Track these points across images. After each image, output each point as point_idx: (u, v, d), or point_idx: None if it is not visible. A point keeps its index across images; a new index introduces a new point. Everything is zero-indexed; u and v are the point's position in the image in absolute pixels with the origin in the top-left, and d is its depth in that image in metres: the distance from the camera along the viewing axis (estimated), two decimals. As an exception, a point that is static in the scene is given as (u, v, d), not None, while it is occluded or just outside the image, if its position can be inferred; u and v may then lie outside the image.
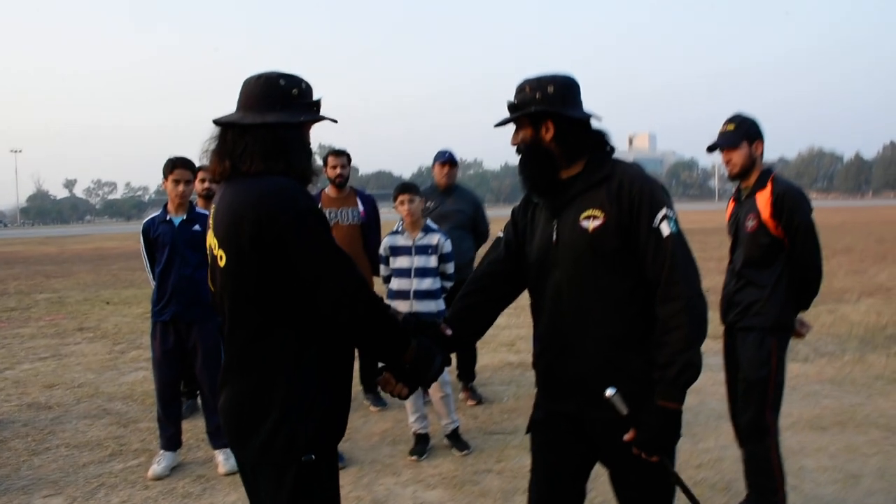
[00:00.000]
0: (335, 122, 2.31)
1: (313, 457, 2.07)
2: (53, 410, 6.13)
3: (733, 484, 4.06)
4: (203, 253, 4.75)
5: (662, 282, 2.15)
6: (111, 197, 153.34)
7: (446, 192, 6.03)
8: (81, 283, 16.91)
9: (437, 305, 4.82)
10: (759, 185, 3.48)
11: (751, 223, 3.46)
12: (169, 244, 4.61)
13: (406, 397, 2.34)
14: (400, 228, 4.94)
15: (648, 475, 2.28)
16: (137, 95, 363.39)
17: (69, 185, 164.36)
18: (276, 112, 2.10)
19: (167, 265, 4.60)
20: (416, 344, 2.23)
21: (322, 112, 2.25)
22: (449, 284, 5.00)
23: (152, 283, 4.79)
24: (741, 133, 3.49)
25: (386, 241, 4.96)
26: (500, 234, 2.59)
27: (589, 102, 2.38)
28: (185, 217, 4.69)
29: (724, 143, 3.51)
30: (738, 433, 3.65)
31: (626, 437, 2.21)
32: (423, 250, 4.85)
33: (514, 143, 2.38)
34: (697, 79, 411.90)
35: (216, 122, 2.16)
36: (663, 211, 2.16)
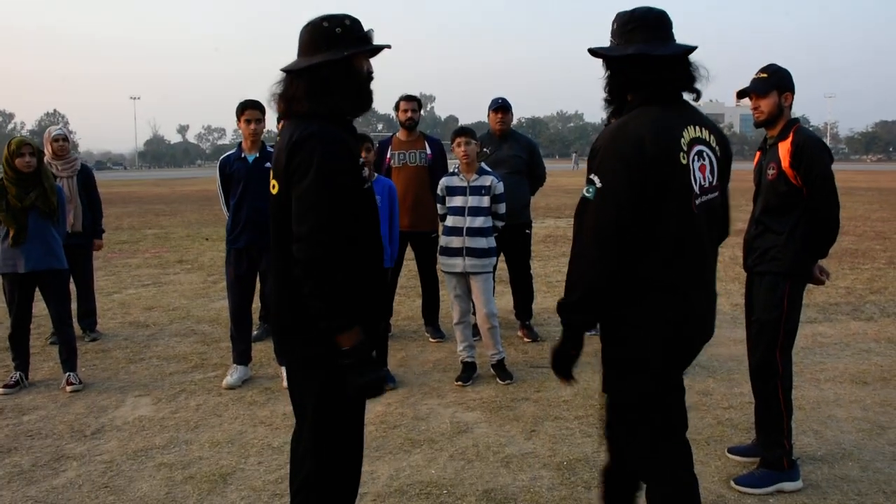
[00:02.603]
0: (388, 47, 2.44)
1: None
2: (150, 328, 6.86)
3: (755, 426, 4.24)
4: (274, 187, 5.24)
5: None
6: (220, 142, 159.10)
7: (502, 139, 6.26)
8: (186, 221, 18.07)
9: (487, 242, 5.14)
10: (783, 136, 3.55)
11: (771, 171, 3.55)
12: (243, 179, 5.10)
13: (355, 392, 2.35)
14: (456, 170, 5.26)
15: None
16: (245, 46, 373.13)
17: (182, 130, 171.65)
18: (321, 53, 2.30)
19: (241, 198, 5.10)
20: (364, 338, 2.28)
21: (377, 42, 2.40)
22: (500, 224, 5.32)
23: (226, 215, 5.31)
24: (773, 82, 3.55)
25: (443, 182, 5.29)
26: None
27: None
28: (257, 155, 5.17)
29: (755, 89, 3.56)
30: (751, 372, 3.80)
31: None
32: (477, 191, 5.15)
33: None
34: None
35: (281, 69, 2.39)
36: (592, 175, 2.31)
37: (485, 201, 5.16)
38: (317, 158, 2.22)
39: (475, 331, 5.50)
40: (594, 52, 2.43)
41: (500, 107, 6.26)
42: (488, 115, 6.38)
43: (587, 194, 2.29)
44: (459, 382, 5.08)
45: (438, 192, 5.31)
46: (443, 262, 5.20)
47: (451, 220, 5.19)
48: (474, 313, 5.32)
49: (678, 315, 2.39)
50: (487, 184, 5.18)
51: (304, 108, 2.33)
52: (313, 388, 2.43)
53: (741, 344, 4.33)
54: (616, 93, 2.46)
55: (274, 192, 2.38)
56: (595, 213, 2.28)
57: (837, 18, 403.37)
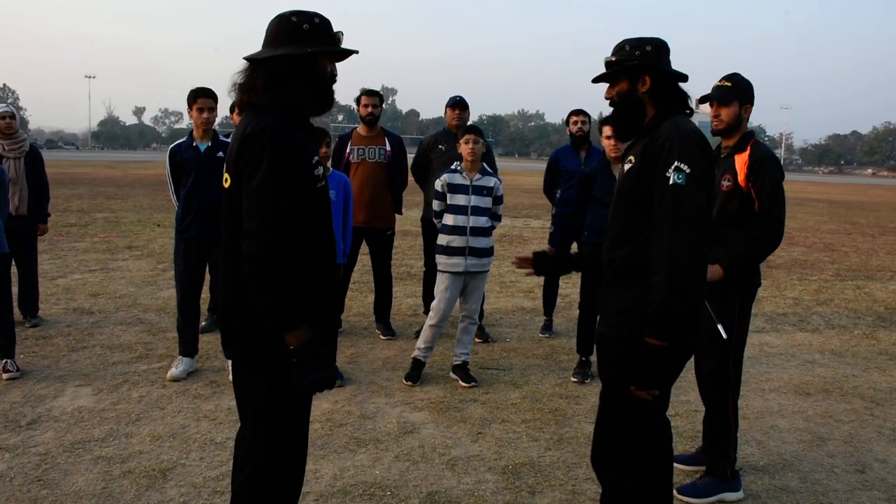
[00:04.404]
0: (355, 52, 2.46)
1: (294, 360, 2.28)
2: (94, 316, 6.67)
3: (700, 435, 4.29)
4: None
5: (655, 225, 2.38)
6: (177, 126, 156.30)
7: (457, 135, 6.23)
8: (138, 205, 17.69)
9: (487, 242, 5.14)
10: (740, 148, 3.59)
11: (726, 183, 3.57)
12: (195, 168, 4.98)
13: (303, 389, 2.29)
14: (458, 167, 5.19)
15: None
16: (205, 29, 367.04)
17: (138, 112, 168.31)
18: (285, 46, 2.29)
19: (192, 188, 4.98)
20: (311, 336, 2.25)
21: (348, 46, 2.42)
22: (497, 224, 5.33)
23: (175, 204, 5.19)
24: (736, 92, 3.58)
25: (444, 178, 5.18)
26: None
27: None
28: (209, 144, 5.05)
29: (718, 97, 3.59)
30: (700, 383, 3.85)
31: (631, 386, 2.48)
32: (480, 191, 5.14)
33: (608, 97, 2.66)
34: (757, 43, 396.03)
35: (244, 58, 2.37)
36: (677, 163, 2.35)
37: (486, 201, 5.15)
38: (268, 155, 2.19)
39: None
40: (649, 66, 2.54)
41: (458, 104, 6.28)
42: (445, 112, 6.37)
43: (678, 181, 2.34)
44: (409, 382, 5.05)
45: (438, 187, 5.20)
46: (443, 262, 5.13)
47: (452, 219, 5.11)
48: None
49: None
50: (490, 185, 5.18)
51: (261, 100, 2.31)
52: (258, 386, 2.40)
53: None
54: (650, 103, 2.57)
55: (226, 185, 2.34)
56: (689, 198, 2.34)
57: (798, 29, 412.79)
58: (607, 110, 2.82)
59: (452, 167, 5.22)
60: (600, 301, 2.68)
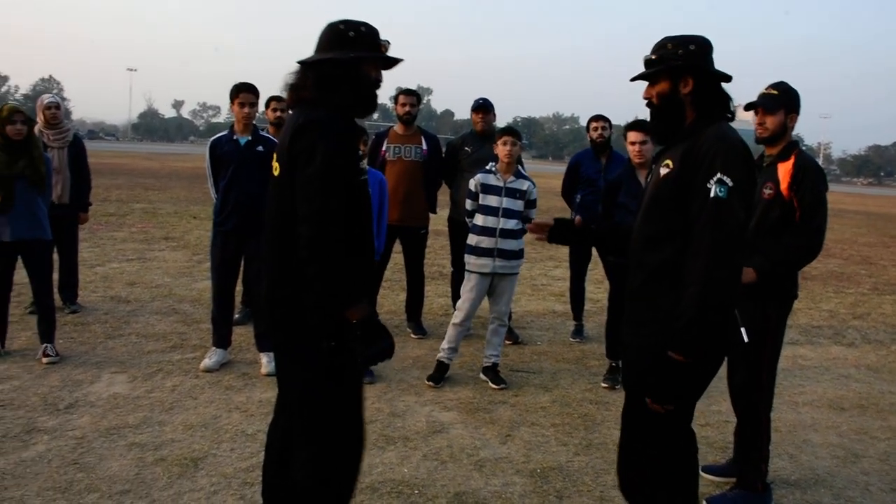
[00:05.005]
0: (400, 60, 2.59)
1: (333, 344, 2.40)
2: (131, 304, 6.79)
3: (731, 446, 4.24)
4: (263, 171, 5.18)
5: (693, 237, 2.32)
6: (214, 120, 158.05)
7: (483, 138, 6.22)
8: (175, 197, 17.95)
9: (517, 244, 5.12)
10: (783, 156, 3.54)
11: (768, 191, 3.52)
12: (234, 162, 5.04)
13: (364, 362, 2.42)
14: (493, 168, 5.18)
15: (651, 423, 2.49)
16: (242, 22, 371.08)
17: (177, 105, 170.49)
18: (331, 51, 2.46)
19: (231, 181, 5.04)
20: (370, 310, 2.40)
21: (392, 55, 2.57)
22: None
23: (213, 197, 5.26)
24: (783, 101, 3.53)
25: (478, 178, 5.18)
26: None
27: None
28: (249, 138, 5.11)
29: (764, 104, 3.54)
30: (732, 393, 3.81)
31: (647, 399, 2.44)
32: (513, 193, 5.12)
33: (646, 96, 2.56)
34: (810, 48, 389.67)
35: (297, 62, 2.54)
36: (719, 175, 2.28)
37: (518, 204, 5.12)
38: (322, 145, 2.32)
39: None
40: (693, 66, 2.46)
41: (481, 107, 6.27)
42: (470, 116, 6.38)
43: (720, 193, 2.28)
44: (431, 382, 5.05)
45: (472, 187, 5.19)
46: (470, 262, 5.13)
47: (482, 220, 5.10)
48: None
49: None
50: (524, 188, 5.15)
51: (310, 96, 2.46)
52: (303, 376, 2.48)
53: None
54: (690, 106, 2.49)
55: (276, 173, 2.47)
56: (729, 212, 2.28)
57: (836, 35, 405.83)
58: (630, 116, 2.80)
59: (487, 167, 5.20)
60: (627, 307, 2.63)
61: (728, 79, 2.52)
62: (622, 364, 2.68)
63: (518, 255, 5.14)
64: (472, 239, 5.13)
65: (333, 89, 2.45)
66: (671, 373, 2.33)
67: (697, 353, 2.30)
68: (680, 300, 2.31)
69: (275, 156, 2.51)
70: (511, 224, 5.08)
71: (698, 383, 2.45)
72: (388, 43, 2.55)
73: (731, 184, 2.28)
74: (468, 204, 5.24)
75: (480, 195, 5.13)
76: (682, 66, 2.46)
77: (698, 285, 2.26)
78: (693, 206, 2.34)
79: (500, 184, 5.12)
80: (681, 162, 2.40)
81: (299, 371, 2.49)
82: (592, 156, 6.38)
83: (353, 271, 2.33)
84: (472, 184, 5.19)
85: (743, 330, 3.49)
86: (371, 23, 2.54)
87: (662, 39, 2.52)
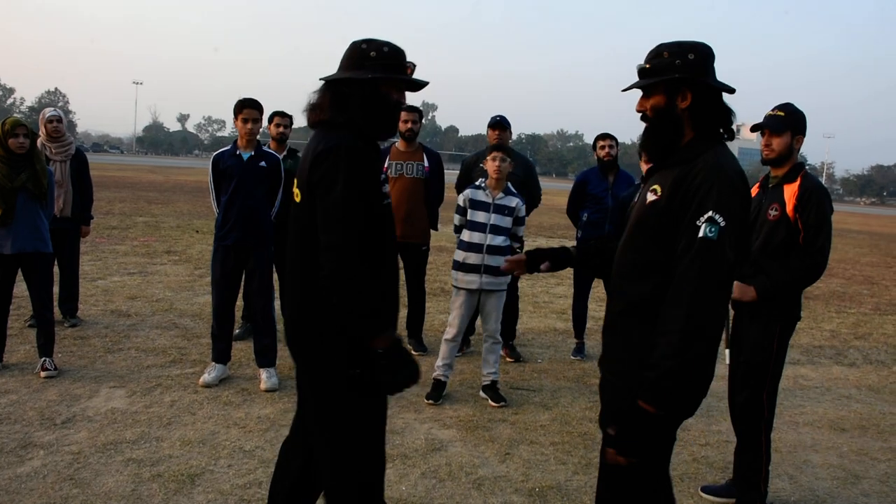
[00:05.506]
0: (424, 84, 2.53)
1: (358, 372, 2.35)
2: (131, 318, 6.79)
3: (731, 465, 4.22)
4: (266, 186, 5.20)
5: (676, 278, 2.12)
6: (219, 134, 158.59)
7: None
8: (178, 211, 17.97)
9: (503, 262, 5.07)
10: (789, 178, 3.55)
11: (773, 212, 3.54)
12: (236, 176, 5.06)
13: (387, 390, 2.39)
14: (483, 184, 5.18)
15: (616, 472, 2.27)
16: (251, 39, 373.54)
17: (182, 119, 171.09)
18: (351, 70, 2.40)
19: (233, 195, 5.05)
20: (396, 338, 2.36)
21: (416, 77, 2.54)
22: (517, 245, 5.26)
23: (216, 211, 5.27)
24: (789, 122, 3.54)
25: (467, 193, 5.18)
26: None
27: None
28: (252, 153, 5.13)
29: (770, 125, 3.55)
30: (733, 413, 3.80)
31: (610, 430, 2.22)
32: (501, 210, 5.11)
33: (640, 110, 2.33)
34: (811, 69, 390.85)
35: (320, 79, 2.49)
36: (711, 213, 2.08)
37: (507, 221, 5.11)
38: (343, 172, 2.26)
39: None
40: (688, 79, 2.23)
41: (498, 124, 6.25)
42: (487, 132, 6.37)
43: (709, 234, 2.07)
44: (430, 400, 5.03)
45: (460, 202, 5.21)
46: (458, 278, 5.12)
47: (469, 236, 5.09)
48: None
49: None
50: (512, 205, 5.14)
51: (327, 116, 2.40)
52: (327, 398, 2.43)
53: (722, 380, 4.32)
54: (688, 122, 2.27)
55: (297, 200, 2.43)
56: (718, 256, 2.08)
57: (841, 55, 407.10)
58: (636, 134, 2.60)
59: (477, 183, 5.21)
60: (603, 337, 2.44)
61: (731, 91, 2.29)
62: (601, 402, 2.47)
63: (505, 272, 5.08)
64: (460, 255, 5.12)
65: (350, 110, 2.38)
66: (638, 423, 2.12)
67: (670, 405, 2.11)
68: (655, 343, 2.12)
69: (295, 182, 2.48)
70: (499, 241, 5.07)
71: (667, 435, 2.27)
72: (414, 65, 2.52)
73: (722, 223, 2.08)
74: (456, 219, 5.25)
75: (469, 211, 5.13)
76: (679, 80, 2.23)
77: (677, 334, 2.05)
78: (680, 242, 2.13)
79: (489, 200, 5.11)
80: (670, 191, 2.18)
81: (323, 398, 2.43)
82: (599, 174, 6.39)
83: (376, 300, 2.28)
84: (461, 199, 5.20)
85: (727, 352, 3.46)
86: (396, 43, 2.47)
87: (658, 46, 2.29)
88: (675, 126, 2.26)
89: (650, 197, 2.25)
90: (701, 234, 2.08)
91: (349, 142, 2.31)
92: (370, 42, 2.42)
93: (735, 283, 3.53)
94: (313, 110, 2.45)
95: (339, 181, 2.25)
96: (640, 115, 2.34)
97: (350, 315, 2.26)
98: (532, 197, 6.41)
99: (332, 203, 2.25)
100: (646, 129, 2.35)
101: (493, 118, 6.28)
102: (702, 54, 2.24)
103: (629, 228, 2.36)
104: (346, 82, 2.39)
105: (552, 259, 2.78)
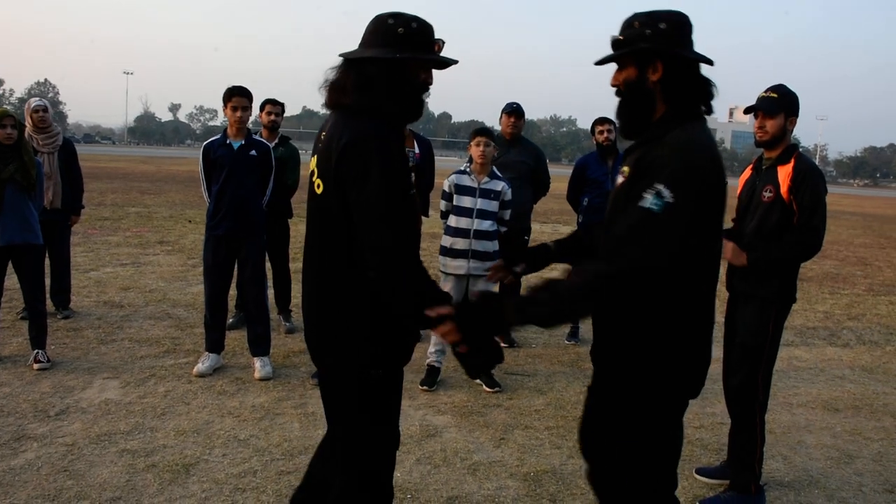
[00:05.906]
0: (454, 62, 2.30)
1: (380, 372, 2.27)
2: (124, 309, 6.76)
3: (725, 447, 4.23)
4: (256, 175, 5.17)
5: (611, 241, 2.07)
6: (211, 123, 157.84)
7: (511, 143, 6.22)
8: (170, 201, 17.92)
9: (492, 246, 5.10)
10: (783, 160, 3.54)
11: (767, 194, 3.53)
12: (227, 166, 5.02)
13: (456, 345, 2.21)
14: (467, 169, 5.17)
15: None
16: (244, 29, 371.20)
17: (174, 109, 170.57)
18: (376, 48, 2.17)
19: (224, 185, 5.02)
20: (466, 321, 2.15)
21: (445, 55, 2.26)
22: (503, 229, 5.26)
23: (206, 200, 5.24)
24: (782, 104, 3.53)
25: (452, 179, 5.17)
26: None
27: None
28: (243, 142, 5.10)
29: (763, 107, 3.53)
30: (728, 395, 3.80)
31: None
32: (487, 194, 5.10)
33: (614, 84, 2.20)
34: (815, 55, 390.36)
35: (340, 55, 2.26)
36: (661, 186, 1.96)
37: (493, 205, 5.11)
38: (377, 164, 2.09)
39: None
40: (658, 50, 2.10)
41: (514, 111, 6.21)
42: (500, 118, 6.33)
43: (652, 206, 1.94)
44: (425, 387, 5.03)
45: (445, 188, 5.20)
46: (445, 264, 5.12)
47: (456, 221, 5.09)
48: None
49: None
50: (498, 189, 5.14)
51: (350, 101, 2.20)
52: (348, 401, 2.34)
53: (716, 363, 4.34)
54: (660, 97, 2.14)
55: (318, 191, 2.24)
56: (658, 231, 1.96)
57: (832, 37, 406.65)
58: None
59: (462, 168, 5.20)
60: (592, 321, 2.38)
61: (709, 62, 2.13)
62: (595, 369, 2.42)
63: (493, 256, 5.08)
64: (447, 241, 5.12)
65: (375, 93, 2.16)
66: (490, 318, 2.10)
67: (523, 320, 2.09)
68: (643, 332, 2.12)
69: (315, 171, 2.26)
70: (485, 225, 5.06)
71: (670, 422, 2.25)
72: (443, 42, 2.27)
73: (670, 200, 1.93)
74: (442, 205, 5.25)
75: (455, 196, 5.12)
76: (648, 50, 2.09)
77: (584, 275, 2.04)
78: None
79: (475, 185, 5.10)
80: (633, 171, 2.10)
81: (344, 397, 2.35)
82: (599, 158, 6.37)
83: (426, 288, 2.17)
84: (446, 184, 5.19)
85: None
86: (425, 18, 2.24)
87: (631, 16, 2.15)
88: (646, 100, 2.14)
89: (619, 179, 2.19)
90: (642, 203, 1.96)
91: (380, 131, 2.13)
92: (397, 17, 2.18)
93: (731, 245, 3.55)
94: (334, 91, 2.24)
95: (374, 175, 2.08)
96: (614, 89, 2.22)
97: (407, 310, 2.16)
98: (540, 185, 6.42)
99: (370, 199, 2.09)
100: (619, 104, 2.22)
101: (508, 104, 6.25)
102: (675, 23, 2.10)
103: (607, 213, 2.28)
104: (372, 61, 2.17)
105: (528, 260, 2.69)
